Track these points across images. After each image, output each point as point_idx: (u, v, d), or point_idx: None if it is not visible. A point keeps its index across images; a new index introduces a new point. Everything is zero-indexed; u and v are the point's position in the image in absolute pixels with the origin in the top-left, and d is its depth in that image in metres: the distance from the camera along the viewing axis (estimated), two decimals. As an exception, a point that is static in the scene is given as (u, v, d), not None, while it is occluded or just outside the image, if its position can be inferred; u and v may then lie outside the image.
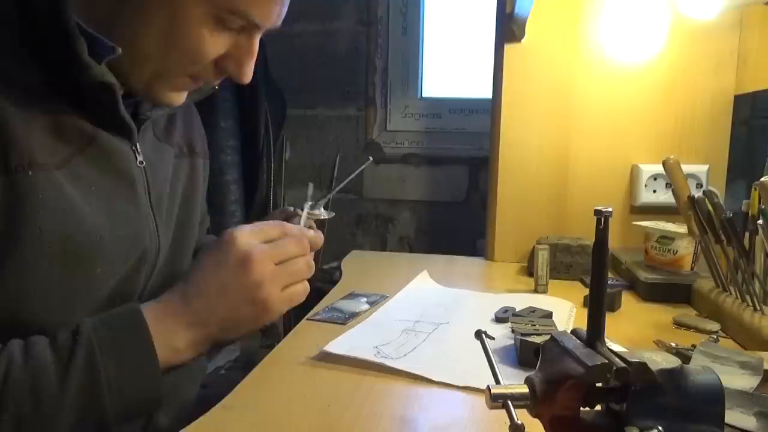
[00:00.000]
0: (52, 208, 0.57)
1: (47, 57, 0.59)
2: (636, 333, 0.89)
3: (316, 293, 0.91)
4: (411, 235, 2.10)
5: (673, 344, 0.80)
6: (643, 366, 0.43)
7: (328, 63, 2.07)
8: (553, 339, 0.49)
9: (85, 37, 0.57)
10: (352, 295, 1.04)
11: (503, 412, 0.46)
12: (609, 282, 0.81)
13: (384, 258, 1.61)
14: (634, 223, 1.20)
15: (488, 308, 0.94)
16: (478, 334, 0.59)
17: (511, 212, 1.35)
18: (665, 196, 1.27)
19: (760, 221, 0.84)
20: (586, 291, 0.80)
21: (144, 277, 0.69)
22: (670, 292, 1.04)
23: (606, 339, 0.46)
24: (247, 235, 0.67)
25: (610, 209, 0.45)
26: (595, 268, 0.46)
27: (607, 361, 0.43)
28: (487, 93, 1.38)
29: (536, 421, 0.47)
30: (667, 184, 1.27)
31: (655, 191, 1.30)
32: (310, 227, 0.82)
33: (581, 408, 0.46)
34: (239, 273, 0.65)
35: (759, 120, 1.25)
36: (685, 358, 0.70)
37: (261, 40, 0.66)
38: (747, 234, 0.88)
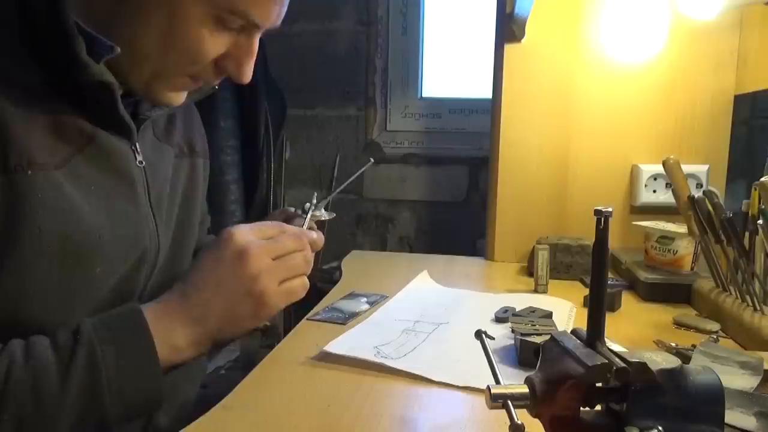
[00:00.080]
0: (51, 207, 0.57)
1: (47, 57, 0.59)
2: (636, 333, 0.89)
3: (316, 293, 0.91)
4: (411, 235, 2.10)
5: (673, 344, 0.80)
6: (643, 366, 0.43)
7: (328, 63, 2.07)
8: (553, 339, 0.49)
9: (84, 37, 0.57)
10: (352, 295, 1.04)
11: (503, 412, 0.46)
12: (609, 282, 0.81)
13: (384, 258, 1.61)
14: (634, 223, 1.20)
15: (488, 308, 0.94)
16: (478, 334, 0.59)
17: (511, 212, 1.35)
18: (665, 196, 1.27)
19: (760, 221, 0.84)
20: (586, 291, 0.80)
21: (144, 277, 0.69)
22: (670, 292, 1.04)
23: (606, 339, 0.46)
24: (245, 232, 0.68)
25: (610, 209, 0.45)
26: (595, 268, 0.46)
27: (607, 361, 0.43)
28: (487, 93, 1.38)
29: (536, 421, 0.47)
30: (667, 184, 1.27)
31: (655, 191, 1.30)
32: (311, 228, 0.83)
33: (581, 408, 0.46)
34: (236, 266, 0.65)
35: (759, 120, 1.25)
36: (685, 358, 0.70)
37: (261, 40, 0.66)
38: (747, 234, 0.87)
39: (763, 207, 0.83)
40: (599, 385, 0.45)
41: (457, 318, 0.92)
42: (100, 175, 0.63)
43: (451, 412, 0.64)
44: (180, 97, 0.68)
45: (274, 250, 0.68)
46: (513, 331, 0.80)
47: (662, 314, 0.97)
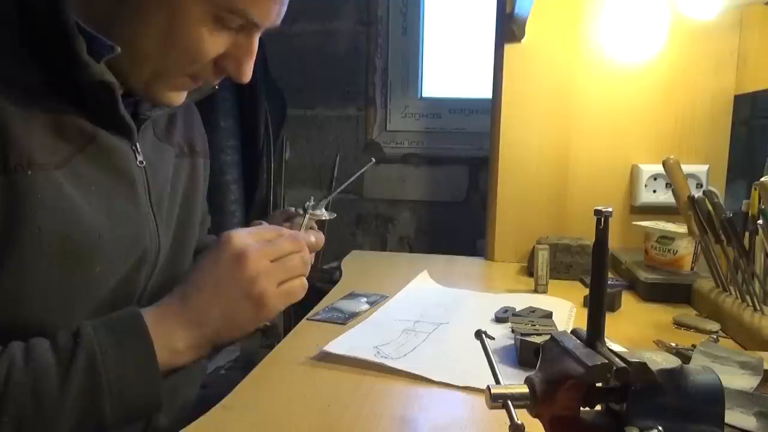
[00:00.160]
0: (51, 207, 0.57)
1: (47, 57, 0.59)
2: (636, 333, 0.89)
3: (316, 293, 0.91)
4: (411, 235, 2.10)
5: (673, 344, 0.80)
6: (643, 366, 0.43)
7: (328, 63, 2.07)
8: (553, 339, 0.49)
9: (84, 36, 0.57)
10: (352, 295, 1.04)
11: (503, 412, 0.46)
12: (609, 282, 0.81)
13: (384, 258, 1.61)
14: (634, 223, 1.20)
15: (488, 308, 0.94)
16: (478, 334, 0.59)
17: (511, 212, 1.35)
18: (665, 196, 1.27)
19: (760, 221, 0.84)
20: (586, 291, 0.80)
21: (144, 277, 0.69)
22: (670, 292, 1.04)
23: (606, 339, 0.46)
24: (243, 236, 0.68)
25: (610, 209, 0.45)
26: (595, 268, 0.46)
27: (607, 361, 0.43)
28: (487, 93, 1.38)
29: (536, 421, 0.47)
30: (667, 184, 1.27)
31: (655, 191, 1.30)
32: (311, 227, 0.82)
33: (581, 408, 0.46)
34: (234, 269, 0.65)
35: (759, 120, 1.25)
36: (685, 358, 0.70)
37: (260, 40, 0.66)
38: (747, 234, 0.87)
39: (763, 207, 0.83)
40: (599, 385, 0.45)
41: (457, 318, 0.92)
42: (101, 174, 0.63)
43: (451, 412, 0.64)
44: (180, 97, 0.68)
45: (272, 252, 0.68)
46: (513, 331, 0.80)
47: (662, 314, 0.97)
